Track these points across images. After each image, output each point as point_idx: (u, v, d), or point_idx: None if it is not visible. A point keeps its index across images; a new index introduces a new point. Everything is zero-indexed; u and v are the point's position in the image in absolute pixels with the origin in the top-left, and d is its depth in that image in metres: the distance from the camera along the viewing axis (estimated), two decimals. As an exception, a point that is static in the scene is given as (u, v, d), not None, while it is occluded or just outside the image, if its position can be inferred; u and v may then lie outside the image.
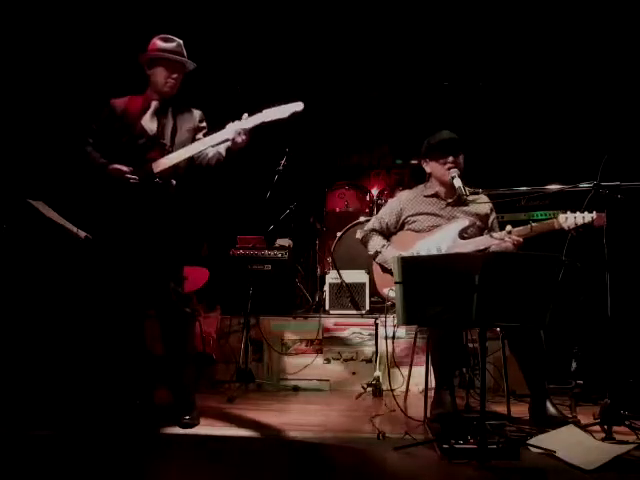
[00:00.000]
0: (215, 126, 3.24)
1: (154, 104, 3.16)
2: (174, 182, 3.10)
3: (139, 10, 5.07)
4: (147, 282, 3.07)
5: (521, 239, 3.20)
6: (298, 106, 2.97)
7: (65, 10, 4.80)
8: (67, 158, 4.09)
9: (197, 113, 3.26)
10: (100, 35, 4.95)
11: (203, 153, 3.15)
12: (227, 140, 3.03)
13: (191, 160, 3.13)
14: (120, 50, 4.92)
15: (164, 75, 3.13)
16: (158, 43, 3.16)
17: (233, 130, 2.99)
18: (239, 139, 3.00)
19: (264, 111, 3.01)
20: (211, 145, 3.07)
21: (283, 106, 2.98)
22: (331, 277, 4.56)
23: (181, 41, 3.21)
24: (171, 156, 3.05)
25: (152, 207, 3.05)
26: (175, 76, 3.14)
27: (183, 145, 3.10)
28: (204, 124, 3.25)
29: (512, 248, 3.20)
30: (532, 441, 2.59)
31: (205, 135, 3.19)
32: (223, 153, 3.12)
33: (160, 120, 3.14)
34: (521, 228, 3.22)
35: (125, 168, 3.03)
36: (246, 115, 3.01)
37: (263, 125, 3.01)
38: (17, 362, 3.51)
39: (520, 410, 3.23)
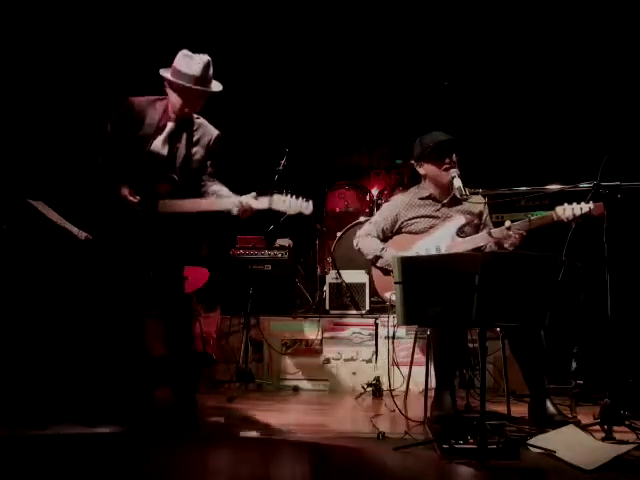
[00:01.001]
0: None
1: (170, 126, 3.03)
2: None
3: (143, 12, 5.08)
4: (148, 282, 3.07)
5: (524, 232, 3.20)
6: (307, 209, 2.91)
7: (66, 9, 4.79)
8: (69, 158, 4.09)
9: (213, 135, 3.13)
10: (101, 35, 4.95)
11: (209, 188, 3.09)
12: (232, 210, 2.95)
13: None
14: (120, 50, 4.95)
15: (181, 103, 2.97)
16: (182, 65, 2.94)
17: (239, 206, 2.90)
18: (243, 215, 2.93)
19: (275, 197, 2.92)
20: (216, 209, 2.99)
21: (295, 201, 2.90)
22: (331, 277, 4.57)
23: (208, 59, 2.96)
24: (180, 203, 2.98)
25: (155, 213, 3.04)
26: (190, 106, 2.99)
27: (191, 173, 3.05)
28: (217, 147, 3.14)
29: (518, 242, 3.20)
30: (532, 441, 2.59)
31: (213, 158, 3.14)
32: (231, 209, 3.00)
33: (173, 146, 3.04)
34: (519, 222, 3.23)
35: (135, 199, 2.96)
36: (254, 194, 2.93)
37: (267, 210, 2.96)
38: (17, 362, 3.51)
39: (520, 410, 3.23)
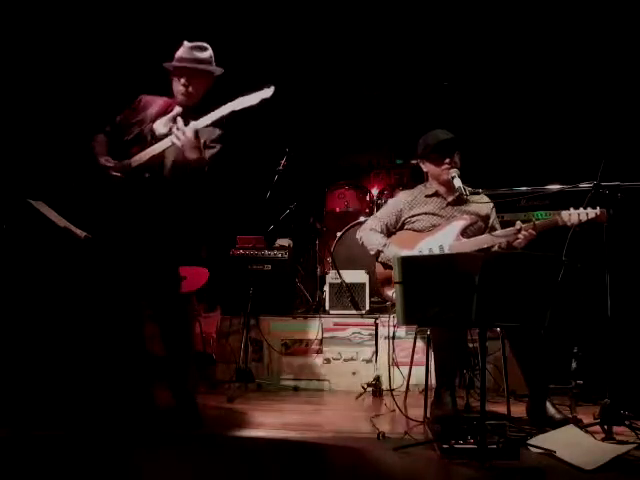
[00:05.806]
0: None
1: (176, 110, 3.08)
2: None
3: (142, 13, 5.08)
4: (145, 281, 3.07)
5: (534, 232, 3.20)
6: (267, 92, 2.89)
7: (68, 10, 4.80)
8: (68, 157, 4.08)
9: (215, 132, 3.08)
10: (96, 35, 4.96)
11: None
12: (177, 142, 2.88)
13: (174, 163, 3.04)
14: (120, 50, 4.95)
15: (177, 84, 3.07)
16: (178, 51, 3.09)
17: (175, 134, 2.86)
18: (178, 141, 2.86)
19: (232, 102, 2.90)
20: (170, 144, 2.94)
21: (253, 94, 2.89)
22: (331, 277, 4.56)
23: (205, 47, 3.10)
24: (147, 150, 2.99)
25: (143, 203, 3.03)
26: (186, 84, 3.03)
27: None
28: (215, 144, 3.08)
29: (525, 242, 3.21)
30: (532, 441, 2.59)
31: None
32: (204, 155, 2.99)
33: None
34: (524, 225, 3.23)
35: (110, 163, 3.02)
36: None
37: (233, 115, 2.90)
38: (17, 362, 3.51)
39: (520, 410, 3.23)
